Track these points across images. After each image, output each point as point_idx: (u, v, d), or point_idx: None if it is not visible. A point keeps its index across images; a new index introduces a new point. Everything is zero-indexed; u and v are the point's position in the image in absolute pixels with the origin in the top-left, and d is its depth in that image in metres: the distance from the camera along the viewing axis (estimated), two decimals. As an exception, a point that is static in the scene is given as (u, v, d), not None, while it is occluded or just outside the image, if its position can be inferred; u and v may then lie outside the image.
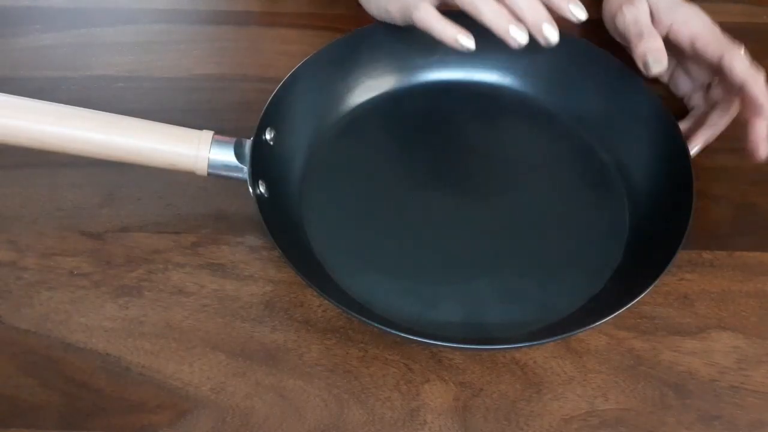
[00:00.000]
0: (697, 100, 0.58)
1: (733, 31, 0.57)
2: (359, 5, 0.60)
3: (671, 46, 0.55)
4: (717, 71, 0.54)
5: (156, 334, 0.49)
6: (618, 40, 0.59)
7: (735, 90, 0.52)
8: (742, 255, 0.54)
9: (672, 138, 0.53)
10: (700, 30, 0.54)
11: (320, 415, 0.47)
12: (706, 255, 0.53)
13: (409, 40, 0.60)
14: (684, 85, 0.59)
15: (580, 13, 0.51)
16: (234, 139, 0.51)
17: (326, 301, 0.49)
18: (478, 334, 0.49)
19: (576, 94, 0.59)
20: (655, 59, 0.52)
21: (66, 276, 0.52)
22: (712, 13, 0.56)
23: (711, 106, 0.56)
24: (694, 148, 0.55)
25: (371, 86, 0.60)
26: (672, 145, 0.53)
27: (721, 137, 0.55)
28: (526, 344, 0.49)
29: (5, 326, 0.50)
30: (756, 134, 0.52)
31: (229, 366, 0.48)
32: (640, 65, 0.53)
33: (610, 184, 0.56)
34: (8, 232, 0.54)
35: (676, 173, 0.52)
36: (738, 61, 0.51)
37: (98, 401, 0.47)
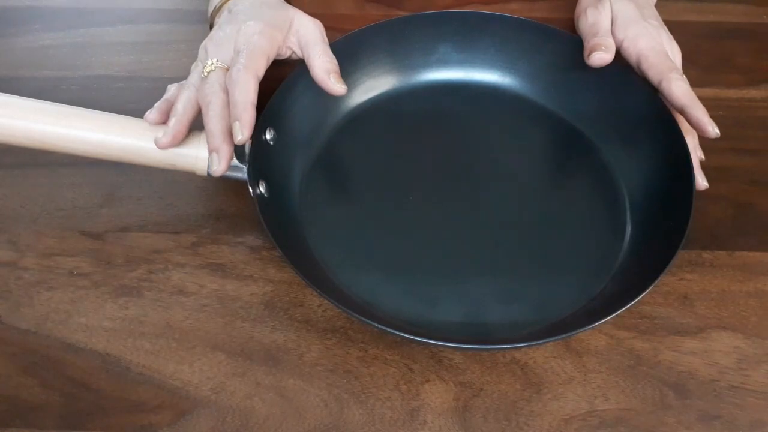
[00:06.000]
0: None
1: (733, 31, 0.57)
2: (359, 5, 0.60)
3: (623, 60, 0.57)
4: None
5: (156, 334, 0.49)
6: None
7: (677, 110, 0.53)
8: (742, 255, 0.54)
9: (672, 138, 0.53)
10: (646, 51, 0.55)
11: (320, 415, 0.47)
12: (706, 255, 0.53)
13: (409, 40, 0.60)
14: None
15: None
16: (234, 139, 0.51)
17: (326, 301, 0.49)
18: (478, 334, 0.49)
19: (576, 94, 0.59)
20: (600, 54, 0.54)
21: (66, 276, 0.52)
22: (712, 13, 0.56)
23: None
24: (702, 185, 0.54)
25: (371, 86, 0.60)
26: (672, 145, 0.53)
27: (722, 138, 0.55)
28: (526, 344, 0.49)
29: (5, 326, 0.50)
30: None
31: (229, 366, 0.48)
32: (586, 55, 0.55)
33: (610, 184, 0.56)
34: (8, 232, 0.54)
35: (676, 173, 0.52)
36: (675, 86, 0.52)
37: (98, 401, 0.47)
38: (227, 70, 0.52)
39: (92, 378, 0.48)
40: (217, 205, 0.56)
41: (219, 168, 0.50)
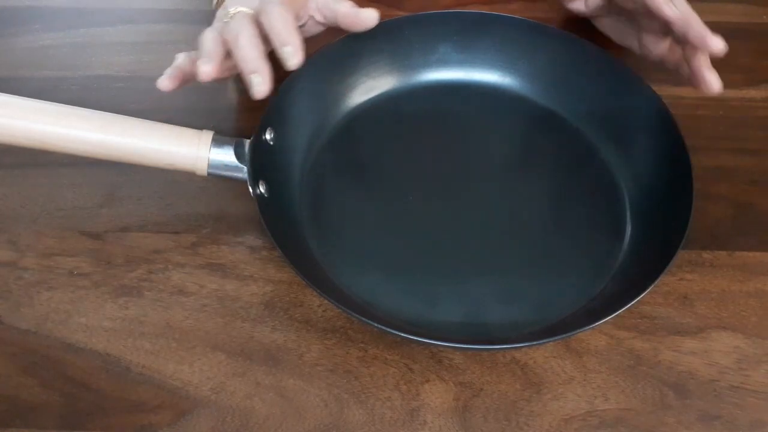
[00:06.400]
0: (669, 56, 0.58)
1: (733, 31, 0.57)
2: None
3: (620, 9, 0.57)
4: (650, 15, 0.54)
5: (156, 334, 0.49)
6: None
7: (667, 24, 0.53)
8: (742, 255, 0.54)
9: (672, 138, 0.53)
10: None
11: (320, 415, 0.47)
12: (706, 255, 0.53)
13: (409, 40, 0.60)
14: (654, 47, 0.58)
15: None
16: (234, 139, 0.51)
17: (326, 301, 0.49)
18: (478, 334, 0.49)
19: (575, 94, 0.59)
20: None
21: (66, 276, 0.52)
22: (712, 13, 0.56)
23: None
24: (715, 85, 0.53)
25: (371, 86, 0.60)
26: (672, 145, 0.53)
27: (722, 138, 0.55)
28: (526, 344, 0.49)
29: (5, 326, 0.50)
30: (696, 66, 0.52)
31: (229, 366, 0.48)
32: None
33: (611, 184, 0.56)
34: (8, 232, 0.54)
35: (676, 173, 0.52)
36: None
37: (98, 401, 0.47)
38: (253, 17, 0.50)
39: (92, 378, 0.48)
40: (217, 205, 0.56)
41: (263, 88, 0.46)
